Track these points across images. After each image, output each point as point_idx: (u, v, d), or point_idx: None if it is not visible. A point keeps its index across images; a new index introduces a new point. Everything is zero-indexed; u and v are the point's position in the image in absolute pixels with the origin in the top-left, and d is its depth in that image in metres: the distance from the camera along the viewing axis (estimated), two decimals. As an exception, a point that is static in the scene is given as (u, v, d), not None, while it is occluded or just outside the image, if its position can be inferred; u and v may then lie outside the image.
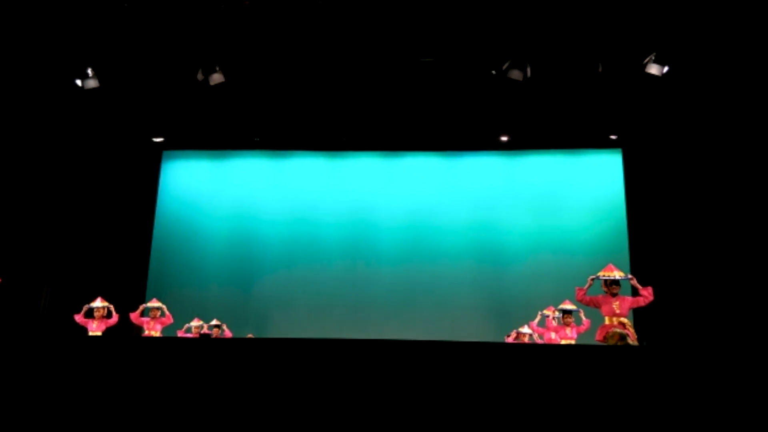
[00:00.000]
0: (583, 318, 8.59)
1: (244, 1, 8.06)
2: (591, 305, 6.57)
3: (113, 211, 11.35)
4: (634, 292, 6.84)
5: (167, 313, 9.12)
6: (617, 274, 6.63)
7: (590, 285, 6.58)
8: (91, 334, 8.61)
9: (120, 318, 9.03)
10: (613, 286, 6.45)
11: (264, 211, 12.06)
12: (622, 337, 6.18)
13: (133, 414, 4.15)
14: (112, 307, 8.83)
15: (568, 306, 8.68)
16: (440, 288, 11.41)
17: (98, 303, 8.83)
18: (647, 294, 6.45)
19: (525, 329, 9.49)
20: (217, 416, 4.11)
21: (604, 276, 6.67)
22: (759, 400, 3.95)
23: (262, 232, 11.98)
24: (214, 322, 10.56)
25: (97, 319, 8.66)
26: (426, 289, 11.43)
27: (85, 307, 8.77)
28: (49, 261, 10.44)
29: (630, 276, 6.79)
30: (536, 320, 9.23)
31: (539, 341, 9.40)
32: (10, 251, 9.54)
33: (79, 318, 8.72)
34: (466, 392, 4.12)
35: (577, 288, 6.61)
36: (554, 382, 4.13)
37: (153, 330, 9.03)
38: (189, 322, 10.36)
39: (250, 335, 10.84)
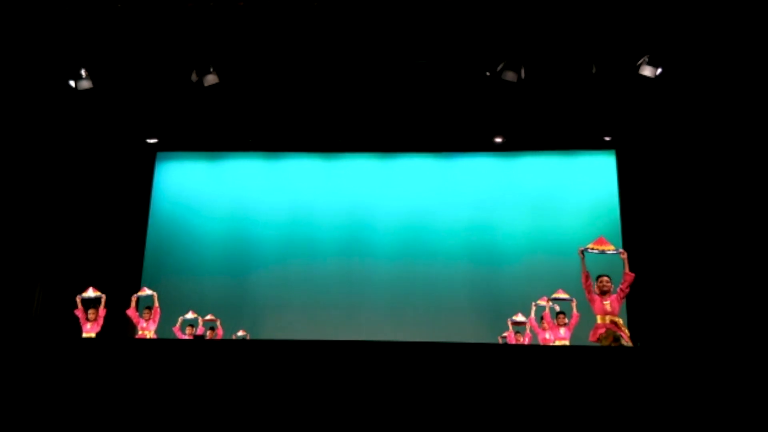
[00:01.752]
0: (575, 310, 8.53)
1: (238, 2, 8.05)
2: (587, 290, 6.50)
3: (107, 212, 11.32)
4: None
5: (156, 303, 9.12)
6: (607, 248, 6.57)
7: (583, 258, 6.56)
8: (84, 335, 8.59)
9: (113, 317, 9.01)
10: (604, 284, 6.41)
11: (259, 213, 12.06)
12: (616, 338, 6.17)
13: (128, 416, 4.15)
14: (104, 298, 8.83)
15: (562, 295, 8.67)
16: (435, 289, 11.43)
17: (90, 293, 8.83)
18: (627, 277, 6.39)
19: (519, 317, 9.51)
20: (212, 418, 4.11)
21: (593, 249, 6.60)
22: (754, 401, 3.97)
23: (257, 234, 11.97)
24: (209, 317, 10.58)
25: (90, 321, 8.63)
26: (421, 290, 11.45)
27: (78, 298, 8.77)
28: (42, 262, 10.40)
29: (621, 250, 6.67)
30: (531, 313, 9.23)
31: (529, 335, 9.46)
32: (2, 252, 9.50)
33: (79, 312, 8.72)
34: (461, 394, 4.13)
35: (582, 274, 6.57)
36: (548, 383, 4.15)
37: (147, 330, 9.02)
38: (183, 316, 10.36)
39: (242, 331, 10.86)
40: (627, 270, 6.44)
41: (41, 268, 10.40)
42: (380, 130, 11.19)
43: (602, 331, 6.22)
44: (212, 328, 10.63)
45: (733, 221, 9.29)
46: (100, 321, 8.68)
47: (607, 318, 6.31)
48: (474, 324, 11.10)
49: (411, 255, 11.65)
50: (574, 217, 11.51)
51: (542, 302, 8.99)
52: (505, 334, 10.02)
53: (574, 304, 8.56)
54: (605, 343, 6.12)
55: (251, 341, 9.33)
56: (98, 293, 8.88)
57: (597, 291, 6.44)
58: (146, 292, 9.33)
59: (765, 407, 3.93)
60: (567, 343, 8.42)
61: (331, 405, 4.09)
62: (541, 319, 9.00)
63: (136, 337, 9.10)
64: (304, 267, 11.72)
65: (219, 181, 12.33)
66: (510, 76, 8.91)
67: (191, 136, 11.66)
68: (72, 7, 8.07)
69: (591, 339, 6.37)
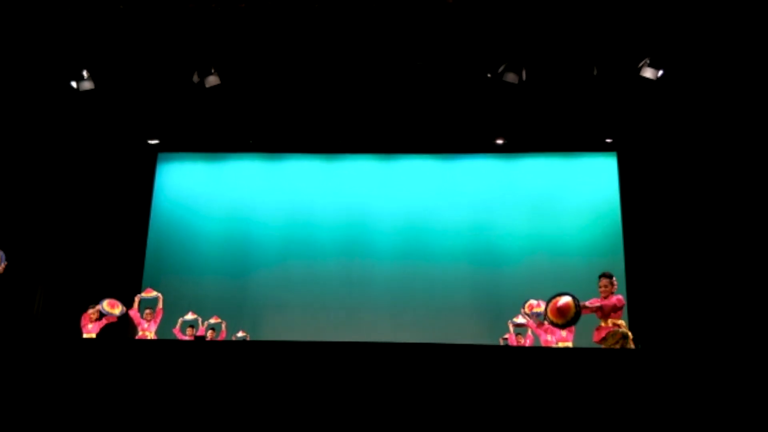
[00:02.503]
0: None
1: (240, 4, 8.06)
2: (595, 312, 6.39)
3: (108, 213, 11.32)
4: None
5: (160, 305, 9.17)
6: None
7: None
8: (85, 335, 8.59)
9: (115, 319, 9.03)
10: (605, 287, 6.38)
11: (259, 214, 12.05)
12: (624, 336, 6.12)
13: (129, 417, 4.15)
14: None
15: (538, 309, 8.60)
16: (436, 290, 11.42)
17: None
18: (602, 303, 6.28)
19: (520, 319, 9.47)
20: (212, 419, 4.11)
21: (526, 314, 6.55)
22: (755, 403, 3.97)
23: (257, 235, 11.97)
24: (214, 319, 10.57)
25: (91, 321, 8.63)
26: (421, 292, 11.43)
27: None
28: (44, 263, 10.40)
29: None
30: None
31: (530, 336, 9.43)
32: (4, 252, 9.50)
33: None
34: (462, 395, 4.12)
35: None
36: (551, 385, 4.14)
37: (148, 331, 9.02)
38: (182, 317, 10.35)
39: (242, 332, 10.87)
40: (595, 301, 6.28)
41: (42, 268, 10.40)
42: (381, 131, 11.18)
43: (610, 329, 6.15)
44: (213, 329, 10.63)
45: (735, 224, 9.28)
46: (102, 324, 8.70)
47: (610, 321, 6.28)
48: (474, 325, 11.08)
49: (411, 256, 11.64)
50: (575, 219, 11.49)
51: (518, 319, 9.04)
52: (506, 336, 10.01)
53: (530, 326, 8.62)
54: (611, 341, 6.07)
55: (251, 342, 9.33)
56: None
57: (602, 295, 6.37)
58: (152, 293, 9.32)
59: (766, 409, 3.92)
60: (570, 344, 8.40)
61: (332, 406, 4.09)
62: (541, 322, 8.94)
63: (137, 338, 9.10)
64: (304, 268, 11.71)
65: (220, 181, 12.34)
66: (511, 77, 8.90)
67: (192, 137, 11.66)
68: (74, 8, 8.08)
69: (594, 340, 6.33)
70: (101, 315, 8.67)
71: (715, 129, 9.50)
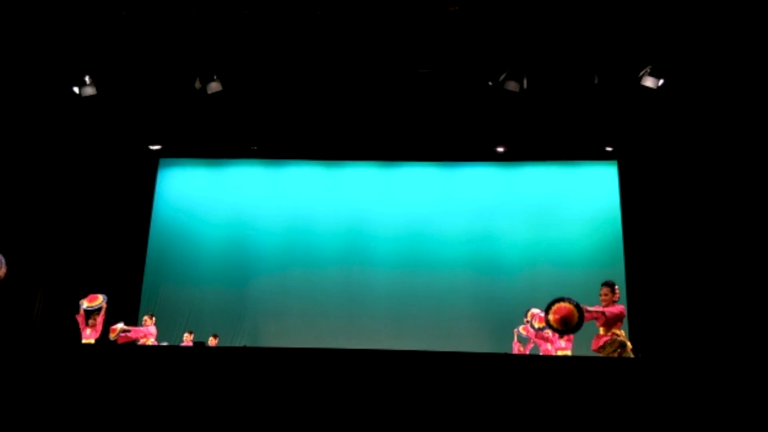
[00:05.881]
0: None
1: (242, 11, 8.09)
2: (596, 318, 6.35)
3: (109, 218, 11.34)
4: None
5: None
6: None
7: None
8: (84, 341, 8.58)
9: (112, 323, 9.01)
10: (605, 295, 6.36)
11: (260, 220, 12.06)
12: (622, 344, 6.11)
13: (128, 423, 4.14)
14: (104, 306, 8.80)
15: (538, 324, 8.58)
16: (436, 298, 11.40)
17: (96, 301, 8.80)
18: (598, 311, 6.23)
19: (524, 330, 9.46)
20: (212, 426, 4.10)
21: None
22: (754, 412, 3.96)
23: (258, 241, 11.97)
24: None
25: (90, 326, 8.63)
26: (422, 300, 11.42)
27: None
28: (44, 267, 10.41)
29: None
30: (516, 337, 9.28)
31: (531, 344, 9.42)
32: (5, 256, 9.51)
33: (79, 318, 8.74)
34: (462, 403, 4.11)
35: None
36: (550, 393, 4.13)
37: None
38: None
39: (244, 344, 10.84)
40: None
41: (43, 273, 10.40)
42: (382, 138, 11.21)
43: (607, 338, 6.14)
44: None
45: (736, 233, 9.27)
46: (99, 327, 8.67)
47: (609, 330, 6.25)
48: (475, 333, 11.06)
49: (412, 264, 11.63)
50: (575, 227, 11.49)
51: (523, 331, 9.08)
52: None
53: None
54: (610, 350, 6.05)
55: (250, 348, 9.31)
56: (99, 300, 8.85)
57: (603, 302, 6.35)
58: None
59: (766, 417, 3.91)
60: (569, 353, 8.39)
61: (331, 413, 4.08)
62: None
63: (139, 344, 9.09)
64: (304, 275, 11.69)
65: (221, 188, 12.34)
66: (512, 86, 8.92)
67: (194, 143, 11.69)
68: (77, 14, 8.12)
69: (593, 348, 6.32)
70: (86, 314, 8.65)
71: (716, 138, 9.52)
